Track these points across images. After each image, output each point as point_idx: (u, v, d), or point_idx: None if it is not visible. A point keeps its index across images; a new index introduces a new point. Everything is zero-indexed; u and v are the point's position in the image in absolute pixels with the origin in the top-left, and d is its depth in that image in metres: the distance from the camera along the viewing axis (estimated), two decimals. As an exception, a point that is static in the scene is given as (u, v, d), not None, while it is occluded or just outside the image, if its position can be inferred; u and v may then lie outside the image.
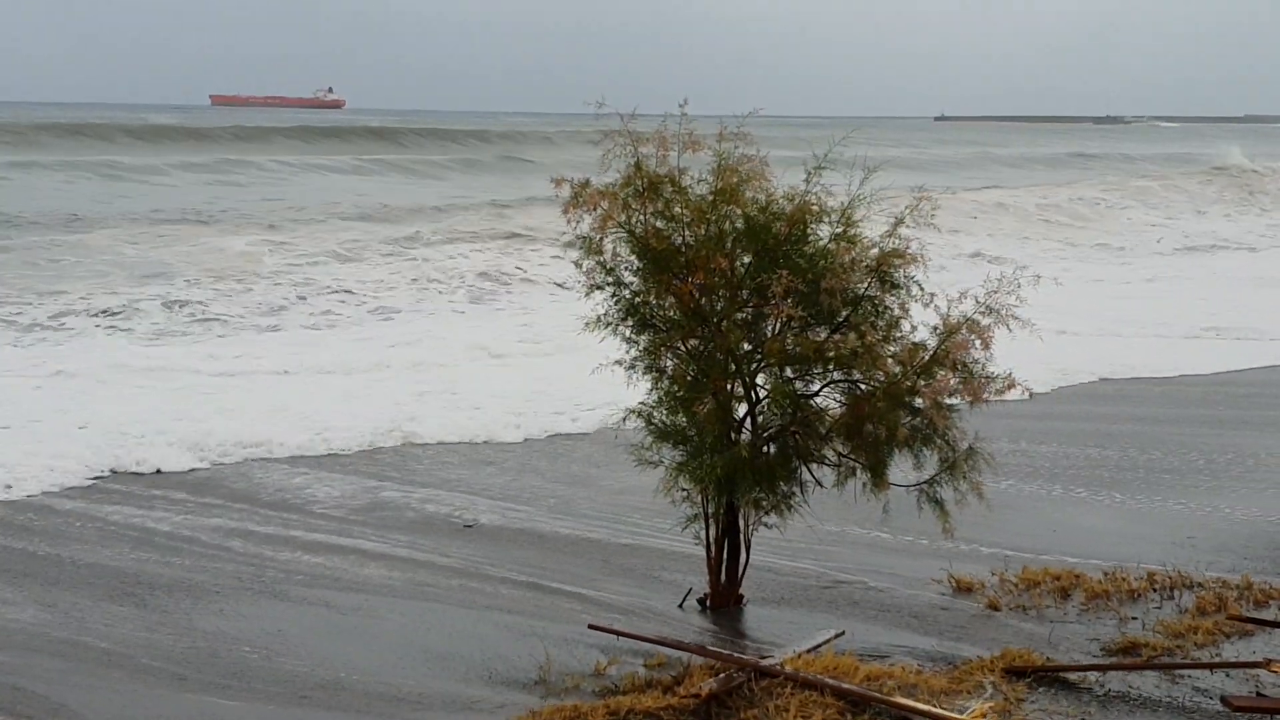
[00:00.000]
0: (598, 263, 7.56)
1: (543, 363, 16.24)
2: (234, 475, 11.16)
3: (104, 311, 19.67)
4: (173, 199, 37.38)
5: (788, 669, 6.37)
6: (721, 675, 6.36)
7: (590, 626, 7.28)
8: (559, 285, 22.89)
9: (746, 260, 7.41)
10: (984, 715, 5.92)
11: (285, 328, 19.48)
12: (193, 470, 11.27)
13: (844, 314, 7.32)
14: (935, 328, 7.32)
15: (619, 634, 7.11)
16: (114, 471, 11.09)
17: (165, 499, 10.38)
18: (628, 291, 7.58)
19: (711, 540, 7.78)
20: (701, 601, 7.90)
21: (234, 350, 17.15)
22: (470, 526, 9.70)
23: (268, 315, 20.22)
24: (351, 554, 9.00)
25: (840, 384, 7.44)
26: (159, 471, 11.18)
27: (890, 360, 7.26)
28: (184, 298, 20.91)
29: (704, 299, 7.41)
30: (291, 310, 20.80)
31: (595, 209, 7.42)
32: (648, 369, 7.61)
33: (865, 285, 7.32)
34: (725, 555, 7.82)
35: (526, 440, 12.56)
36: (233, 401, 13.62)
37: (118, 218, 31.36)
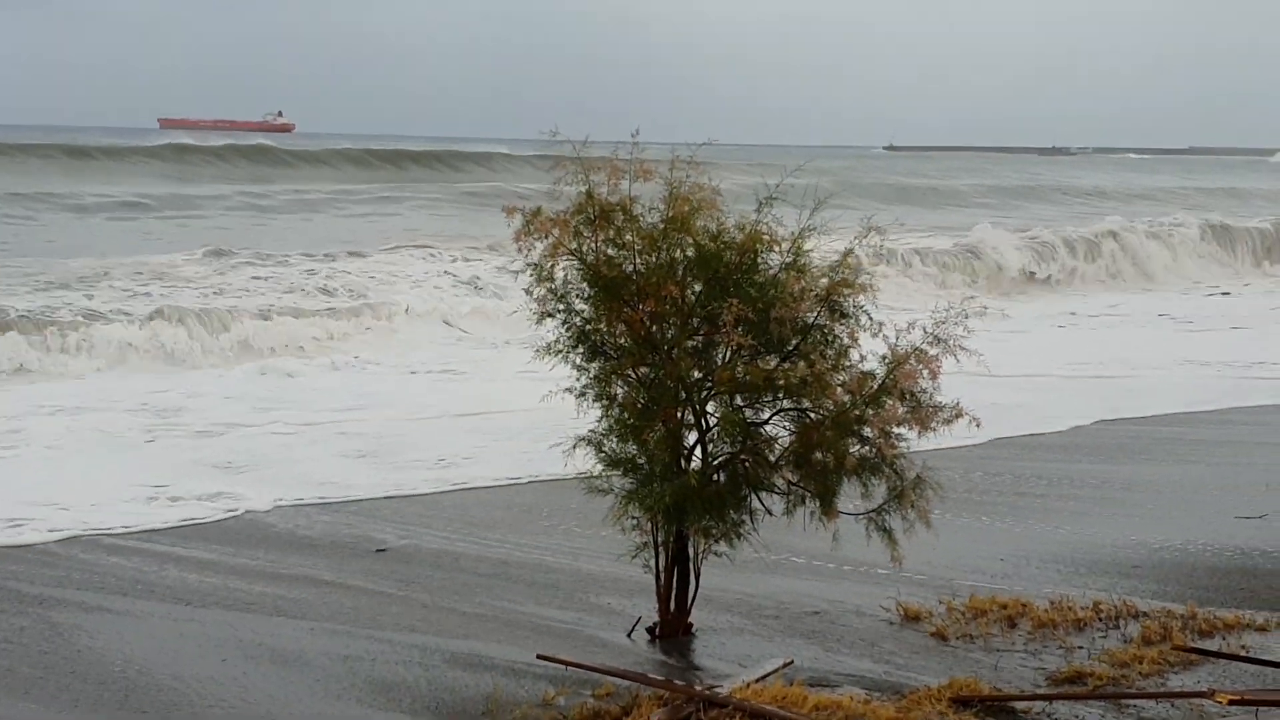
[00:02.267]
0: (549, 290, 7.55)
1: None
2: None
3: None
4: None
5: (736, 698, 6.36)
6: (670, 705, 6.34)
7: (539, 656, 7.24)
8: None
9: (697, 288, 7.43)
10: (932, 745, 5.92)
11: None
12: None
13: (794, 342, 7.34)
14: (884, 357, 7.36)
15: (567, 664, 7.07)
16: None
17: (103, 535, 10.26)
18: (579, 319, 7.57)
19: (661, 569, 7.76)
20: (651, 630, 7.87)
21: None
22: (383, 551, 9.64)
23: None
24: (288, 581, 8.92)
25: (790, 412, 7.46)
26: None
27: (839, 389, 7.29)
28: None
29: (655, 327, 7.42)
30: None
31: (547, 236, 7.43)
32: (598, 396, 7.60)
33: (815, 314, 7.36)
34: (675, 584, 7.80)
35: (474, 474, 12.51)
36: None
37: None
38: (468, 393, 16.75)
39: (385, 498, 11.37)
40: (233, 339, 19.88)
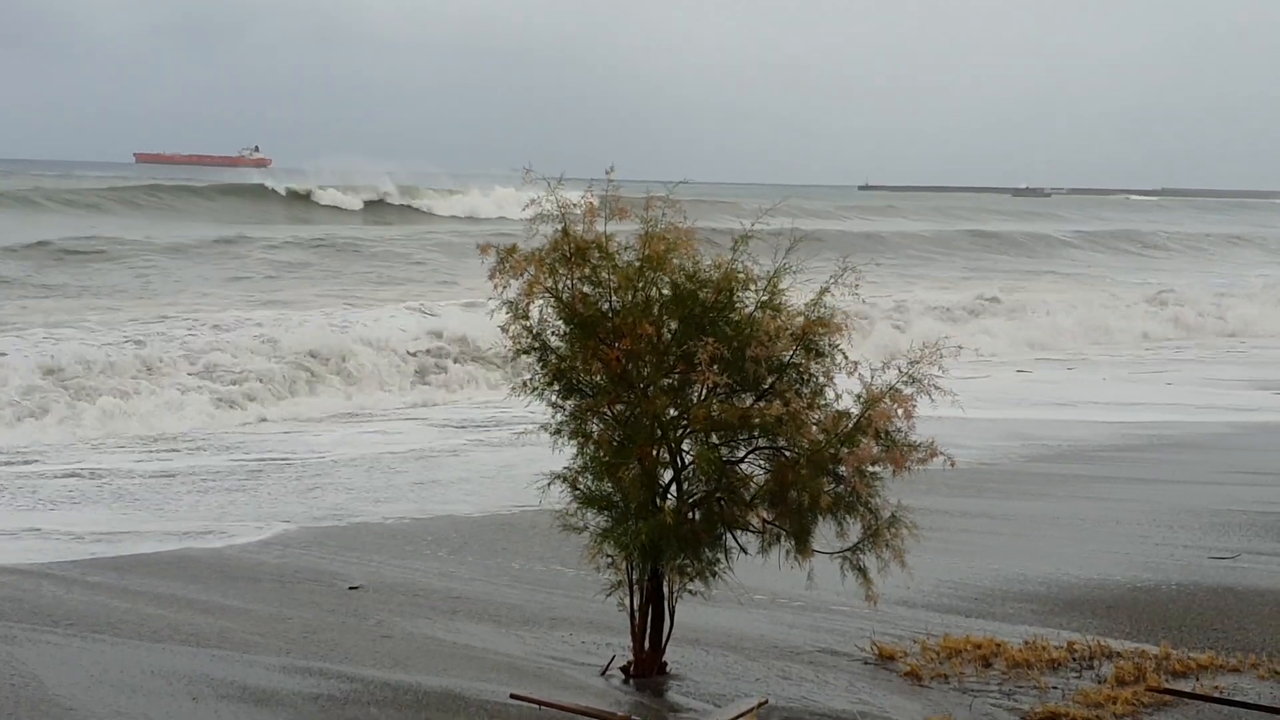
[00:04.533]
0: (524, 328, 7.56)
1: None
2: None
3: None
4: None
5: (711, 739, 6.32)
6: (644, 745, 6.30)
7: (512, 696, 7.20)
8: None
9: (673, 326, 7.44)
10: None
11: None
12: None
13: (769, 381, 7.36)
14: (859, 396, 7.37)
15: (541, 704, 7.04)
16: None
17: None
18: (554, 356, 7.57)
19: (636, 607, 7.74)
20: (625, 669, 7.84)
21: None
22: (356, 589, 9.57)
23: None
24: (256, 617, 8.84)
25: (765, 450, 7.46)
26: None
27: (814, 427, 7.30)
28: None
29: (631, 364, 7.42)
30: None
31: (522, 274, 7.43)
32: (574, 434, 7.59)
33: (790, 353, 7.38)
34: (649, 622, 7.77)
35: (434, 509, 12.46)
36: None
37: None
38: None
39: (350, 526, 11.31)
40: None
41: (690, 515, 7.48)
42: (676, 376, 7.45)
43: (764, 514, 7.47)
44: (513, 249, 7.48)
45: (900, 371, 7.34)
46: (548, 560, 10.35)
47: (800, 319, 7.40)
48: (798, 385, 7.39)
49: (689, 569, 7.50)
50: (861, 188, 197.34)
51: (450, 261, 38.79)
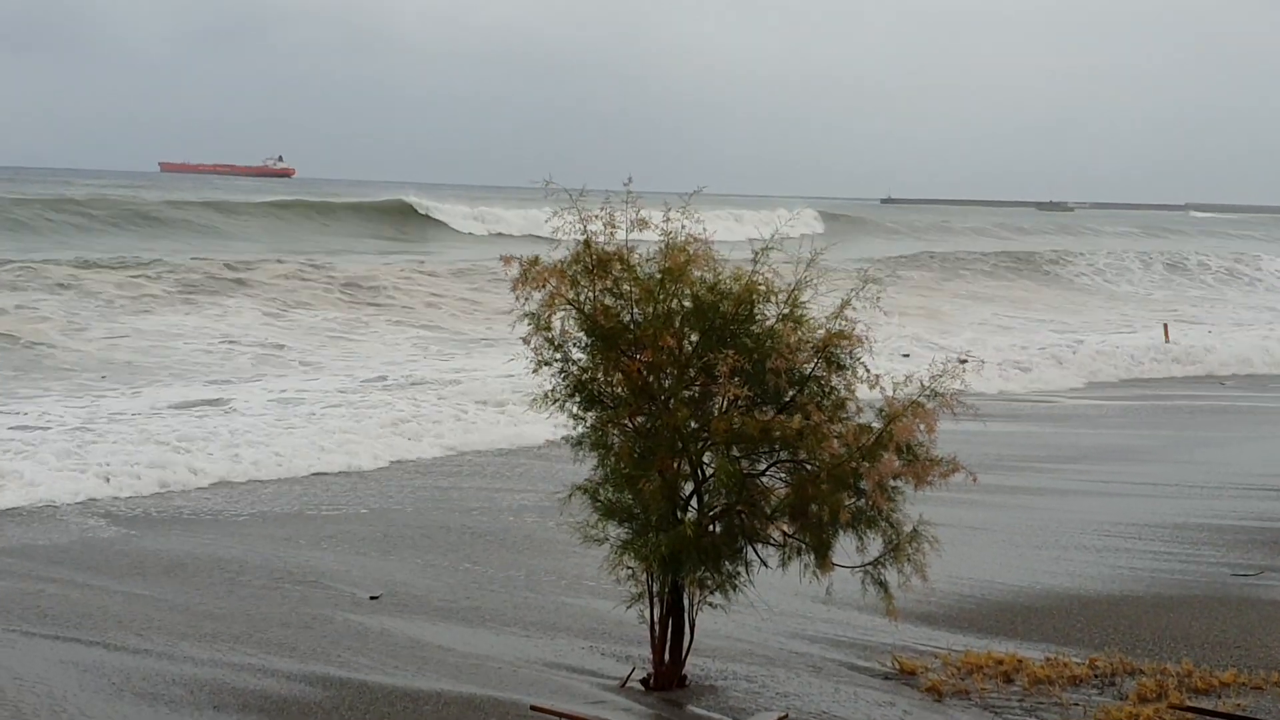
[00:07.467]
0: (546, 339, 7.57)
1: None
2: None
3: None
4: None
5: (730, 752, 6.31)
6: (663, 758, 6.29)
7: (533, 708, 7.19)
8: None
9: (694, 339, 7.45)
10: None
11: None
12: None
13: (790, 394, 7.35)
14: (880, 409, 7.35)
15: (561, 715, 7.04)
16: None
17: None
18: (575, 368, 7.58)
19: (656, 619, 7.73)
20: (645, 681, 7.83)
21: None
22: (376, 599, 9.57)
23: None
24: (267, 620, 8.86)
25: (786, 464, 7.45)
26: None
27: (835, 441, 7.28)
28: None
29: (651, 376, 7.42)
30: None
31: (544, 286, 7.44)
32: (594, 445, 7.60)
33: (812, 366, 7.37)
34: (669, 634, 7.76)
35: (454, 519, 12.46)
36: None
37: None
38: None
39: (371, 535, 11.30)
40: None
41: (710, 528, 7.47)
42: (697, 389, 7.45)
43: (784, 527, 7.46)
44: (535, 260, 7.50)
45: (922, 385, 7.32)
46: (568, 572, 10.34)
47: (821, 331, 7.38)
48: (819, 398, 7.37)
49: (709, 581, 7.49)
50: (884, 200, 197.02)
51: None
